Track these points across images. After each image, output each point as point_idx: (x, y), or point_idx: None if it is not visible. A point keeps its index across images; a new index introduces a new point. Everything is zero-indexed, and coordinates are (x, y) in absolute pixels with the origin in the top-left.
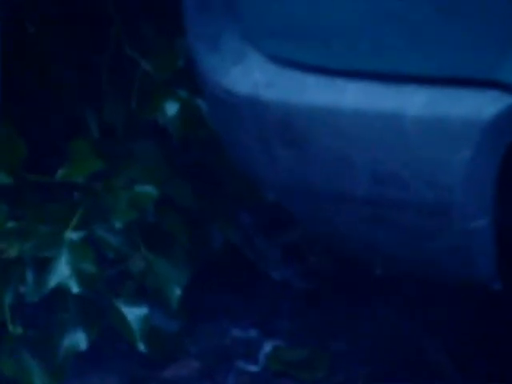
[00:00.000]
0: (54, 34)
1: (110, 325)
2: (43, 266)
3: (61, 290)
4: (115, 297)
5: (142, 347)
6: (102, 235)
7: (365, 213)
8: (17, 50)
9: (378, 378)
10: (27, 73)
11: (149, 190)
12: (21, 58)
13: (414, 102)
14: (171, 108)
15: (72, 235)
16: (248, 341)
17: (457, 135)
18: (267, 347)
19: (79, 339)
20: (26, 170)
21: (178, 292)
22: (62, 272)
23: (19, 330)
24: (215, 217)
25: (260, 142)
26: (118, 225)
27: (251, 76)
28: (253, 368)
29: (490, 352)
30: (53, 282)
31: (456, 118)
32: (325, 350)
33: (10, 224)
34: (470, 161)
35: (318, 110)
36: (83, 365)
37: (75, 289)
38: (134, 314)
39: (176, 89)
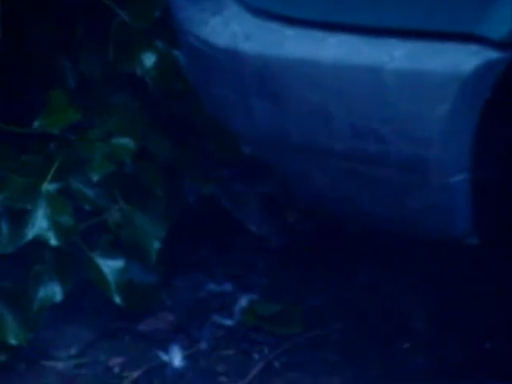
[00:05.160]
0: None
1: (85, 277)
2: (18, 217)
3: (36, 242)
4: (91, 249)
5: (117, 300)
6: (78, 187)
7: (343, 168)
8: None
9: (352, 333)
10: (2, 24)
11: (126, 142)
12: None
13: (393, 56)
14: (148, 59)
15: (49, 187)
16: (223, 295)
17: (436, 89)
18: (243, 301)
19: (54, 291)
20: (1, 121)
21: (156, 245)
22: (40, 224)
23: None
24: (192, 170)
25: (238, 95)
26: (94, 177)
27: (230, 27)
28: (228, 322)
29: (470, 314)
30: (31, 234)
31: (435, 71)
32: (300, 305)
33: None
34: (449, 115)
35: (296, 62)
36: (58, 317)
37: (54, 241)
38: (110, 266)
39: (153, 40)
